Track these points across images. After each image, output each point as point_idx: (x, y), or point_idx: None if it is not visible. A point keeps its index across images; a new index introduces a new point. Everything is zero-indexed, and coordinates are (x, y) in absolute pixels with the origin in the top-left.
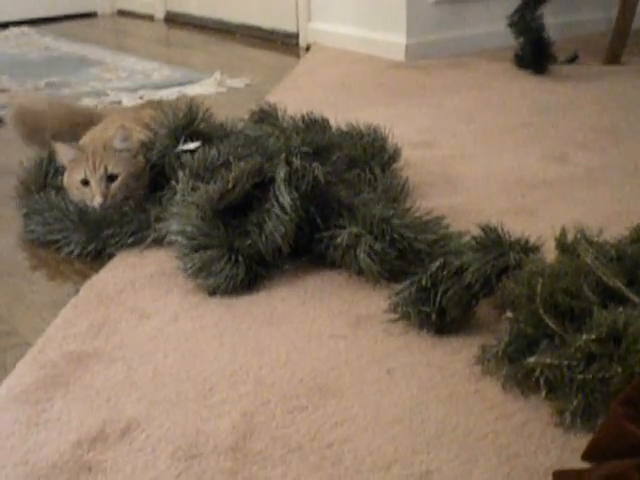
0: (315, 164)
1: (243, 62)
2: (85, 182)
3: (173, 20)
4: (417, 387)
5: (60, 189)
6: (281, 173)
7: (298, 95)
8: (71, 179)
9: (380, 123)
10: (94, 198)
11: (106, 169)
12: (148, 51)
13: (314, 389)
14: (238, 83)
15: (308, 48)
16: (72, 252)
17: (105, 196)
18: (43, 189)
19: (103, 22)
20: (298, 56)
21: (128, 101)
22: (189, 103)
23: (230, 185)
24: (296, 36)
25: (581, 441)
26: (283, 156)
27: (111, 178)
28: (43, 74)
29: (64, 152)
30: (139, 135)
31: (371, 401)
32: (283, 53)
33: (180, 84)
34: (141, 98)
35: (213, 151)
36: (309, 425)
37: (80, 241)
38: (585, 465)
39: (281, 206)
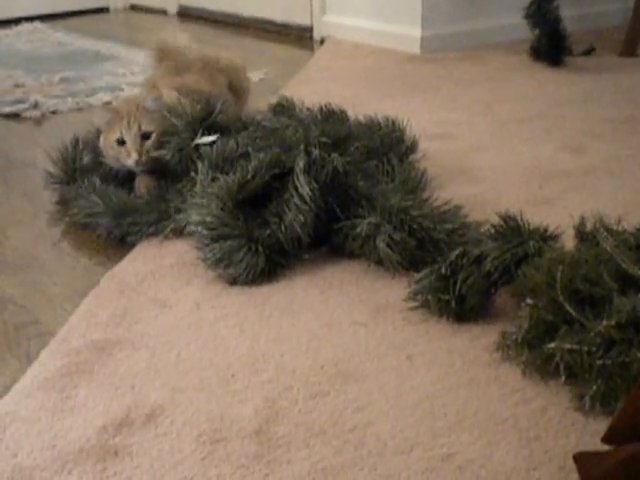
0: (334, 155)
1: (257, 56)
2: (120, 142)
3: (186, 14)
4: (437, 373)
5: (87, 172)
6: (300, 163)
7: (313, 88)
8: (107, 140)
9: (396, 115)
10: (130, 155)
11: (140, 127)
12: None
13: (335, 375)
14: (253, 77)
15: (322, 41)
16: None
17: (140, 153)
18: (73, 177)
19: (115, 17)
20: (312, 50)
21: None
22: (207, 96)
23: (249, 176)
24: (310, 29)
25: (600, 425)
26: (302, 147)
27: (145, 136)
28: (57, 69)
29: (100, 115)
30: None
31: (392, 386)
32: (297, 47)
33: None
34: None
35: (232, 142)
36: (331, 410)
37: (108, 225)
38: (605, 448)
39: (300, 196)
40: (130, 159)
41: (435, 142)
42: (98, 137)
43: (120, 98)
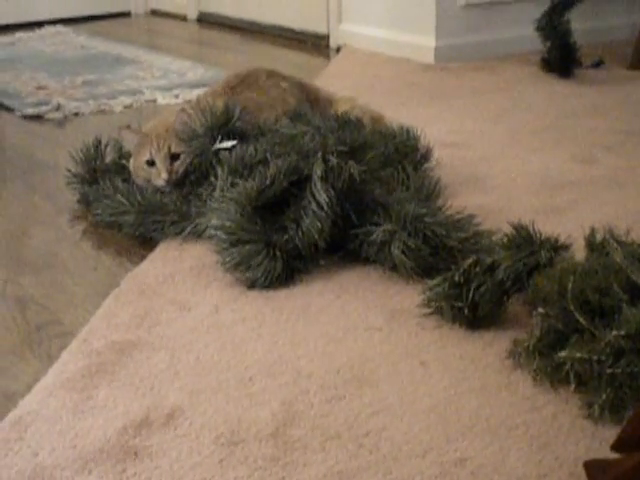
0: (351, 162)
1: (274, 62)
2: (150, 162)
3: (205, 20)
4: (450, 379)
5: (109, 173)
6: (318, 171)
7: None
8: (137, 161)
9: (410, 123)
10: (160, 175)
11: (169, 149)
12: (181, 50)
13: (351, 379)
14: None
15: (338, 49)
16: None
17: (170, 173)
18: (94, 177)
19: (136, 21)
20: (328, 57)
21: (163, 100)
22: (226, 102)
23: (268, 182)
24: (326, 37)
25: (609, 432)
26: (320, 154)
27: (174, 157)
28: (80, 72)
29: (130, 138)
30: None
31: (406, 391)
32: (314, 54)
33: (214, 83)
34: (176, 97)
35: (251, 149)
36: (347, 414)
37: (132, 223)
38: (615, 456)
39: (318, 203)
40: (160, 179)
41: (448, 150)
42: (119, 139)
43: (150, 122)
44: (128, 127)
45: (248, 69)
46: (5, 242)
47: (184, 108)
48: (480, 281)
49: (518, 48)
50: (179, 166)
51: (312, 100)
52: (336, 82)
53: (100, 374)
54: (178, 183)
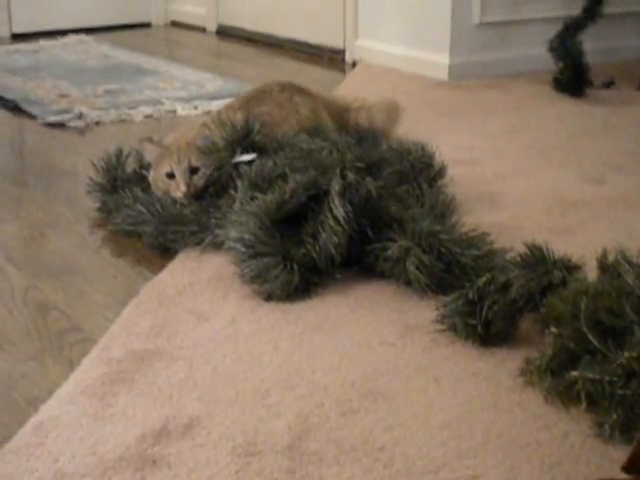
0: (368, 179)
1: (291, 76)
2: (170, 175)
3: (224, 33)
4: (463, 395)
5: (129, 182)
6: (336, 186)
7: None
8: (157, 173)
9: (424, 139)
10: (179, 187)
11: (189, 162)
12: (200, 62)
13: (366, 394)
14: None
15: (354, 64)
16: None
17: (188, 186)
18: (114, 186)
19: (157, 32)
20: (344, 72)
21: (182, 110)
22: (246, 116)
23: (287, 196)
24: (342, 52)
25: (619, 452)
26: (338, 170)
27: (193, 170)
28: (101, 81)
29: (151, 150)
30: None
31: (420, 407)
32: (330, 69)
33: (232, 95)
34: (195, 108)
35: (270, 163)
36: (361, 428)
37: (152, 233)
38: (625, 476)
39: (335, 218)
40: (179, 192)
41: (461, 167)
42: (140, 149)
43: (170, 135)
44: (149, 139)
45: (262, 84)
46: (26, 248)
47: (205, 122)
48: (494, 299)
49: (530, 67)
50: (198, 180)
51: (329, 109)
52: (351, 96)
53: (120, 382)
54: (197, 196)
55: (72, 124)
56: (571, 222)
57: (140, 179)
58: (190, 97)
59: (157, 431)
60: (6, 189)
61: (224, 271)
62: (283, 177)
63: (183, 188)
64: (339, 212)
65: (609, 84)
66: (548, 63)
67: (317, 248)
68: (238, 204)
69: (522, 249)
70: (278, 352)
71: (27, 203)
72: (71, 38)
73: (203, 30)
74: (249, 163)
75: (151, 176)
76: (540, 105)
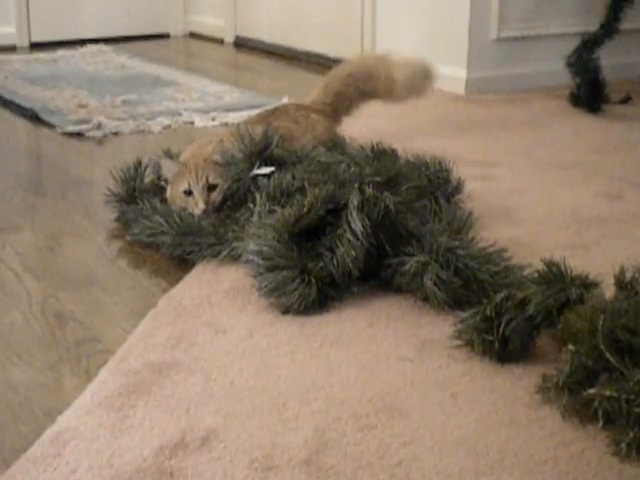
0: (386, 194)
1: (309, 88)
2: (188, 192)
3: (242, 44)
4: (480, 411)
5: (147, 194)
6: (354, 201)
7: (361, 124)
8: (174, 190)
9: (441, 154)
10: (197, 205)
11: (207, 179)
12: (218, 73)
13: (383, 409)
14: None
15: None
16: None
17: (207, 203)
18: (133, 197)
19: (175, 43)
20: None
21: (200, 122)
22: (265, 128)
23: (305, 210)
24: None
25: (636, 470)
26: (357, 185)
27: (211, 187)
28: (120, 91)
29: (169, 167)
30: None
31: (437, 423)
32: None
33: (249, 107)
34: (213, 120)
35: (288, 176)
36: (378, 443)
37: (170, 244)
38: None
39: (353, 232)
40: (197, 209)
41: (478, 183)
42: (159, 161)
43: (187, 151)
44: (168, 154)
45: (279, 105)
46: (43, 257)
47: (223, 137)
48: (511, 315)
49: (547, 82)
50: (216, 196)
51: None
52: (367, 110)
53: (137, 394)
54: (215, 211)
55: (90, 134)
56: (588, 238)
57: (158, 190)
58: (208, 108)
59: (174, 443)
60: (24, 198)
61: (241, 284)
62: (301, 190)
63: (202, 206)
64: (357, 226)
65: (626, 100)
66: (565, 79)
67: (335, 262)
68: (256, 217)
69: (539, 265)
70: (295, 366)
71: (45, 212)
72: (90, 48)
73: (221, 42)
74: (267, 176)
75: (168, 192)
76: (557, 120)
